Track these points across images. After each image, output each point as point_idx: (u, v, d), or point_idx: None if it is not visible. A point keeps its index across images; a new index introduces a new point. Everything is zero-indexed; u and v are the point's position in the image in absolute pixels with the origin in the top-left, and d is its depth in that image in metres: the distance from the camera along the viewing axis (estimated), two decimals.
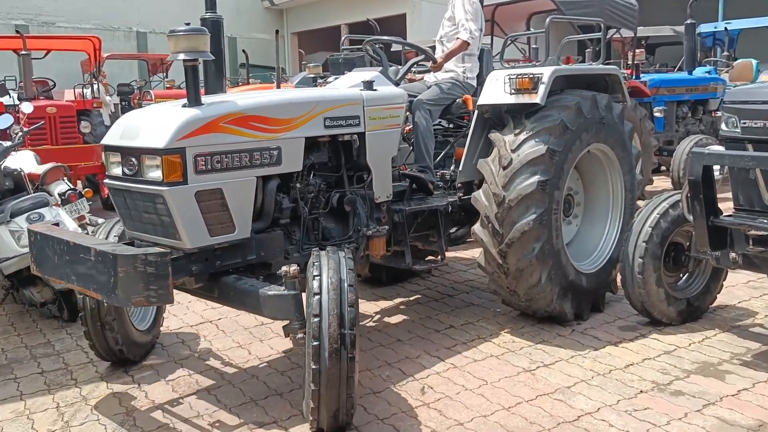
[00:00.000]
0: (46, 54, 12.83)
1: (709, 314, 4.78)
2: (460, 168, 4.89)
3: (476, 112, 4.88)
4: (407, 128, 5.05)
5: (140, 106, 11.35)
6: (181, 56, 3.39)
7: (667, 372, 3.90)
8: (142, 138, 3.50)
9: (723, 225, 3.94)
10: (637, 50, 9.88)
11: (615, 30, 9.53)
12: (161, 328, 4.68)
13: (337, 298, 3.14)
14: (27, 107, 8.59)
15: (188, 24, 3.52)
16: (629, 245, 4.49)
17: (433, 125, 5.15)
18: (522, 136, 4.47)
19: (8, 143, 6.24)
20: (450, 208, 4.82)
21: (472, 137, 4.87)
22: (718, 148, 4.06)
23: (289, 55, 29.32)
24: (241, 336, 4.73)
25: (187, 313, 5.25)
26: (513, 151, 4.45)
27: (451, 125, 5.57)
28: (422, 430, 3.35)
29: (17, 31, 12.90)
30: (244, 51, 15.92)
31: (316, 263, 3.26)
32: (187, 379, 4.05)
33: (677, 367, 3.97)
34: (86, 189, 7.09)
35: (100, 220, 6.08)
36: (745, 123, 3.88)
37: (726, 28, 14.83)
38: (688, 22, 10.11)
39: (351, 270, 3.27)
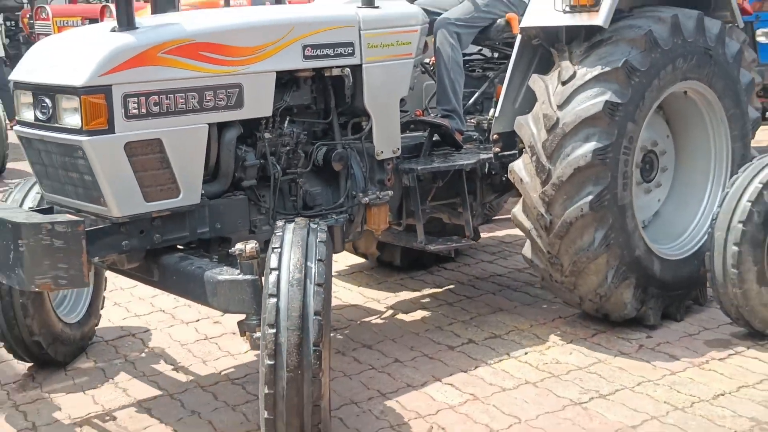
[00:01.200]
0: None
1: None
2: (497, 113, 4.54)
3: (519, 36, 4.52)
4: (431, 59, 4.79)
5: (31, 28, 11.27)
6: None
7: None
8: (57, 73, 3.35)
9: None
10: None
11: None
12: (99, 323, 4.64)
13: (301, 276, 2.99)
14: None
15: None
16: (718, 228, 4.11)
17: (467, 54, 4.95)
18: (572, 84, 4.12)
19: None
20: (485, 169, 4.59)
21: (513, 72, 4.53)
22: None
23: None
24: (208, 327, 4.73)
25: (131, 300, 5.15)
26: (560, 106, 4.13)
27: (495, 54, 5.29)
28: None
29: None
30: None
31: (278, 234, 3.10)
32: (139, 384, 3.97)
33: None
34: None
35: None
36: None
37: None
38: None
39: (322, 242, 3.11)
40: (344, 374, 4.00)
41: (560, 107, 4.17)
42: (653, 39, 4.23)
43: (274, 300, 2.91)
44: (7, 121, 9.55)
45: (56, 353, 4.13)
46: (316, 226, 3.20)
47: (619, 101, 4.13)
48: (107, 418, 3.83)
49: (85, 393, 4.02)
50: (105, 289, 4.65)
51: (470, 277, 5.60)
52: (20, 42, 17.00)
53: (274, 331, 2.89)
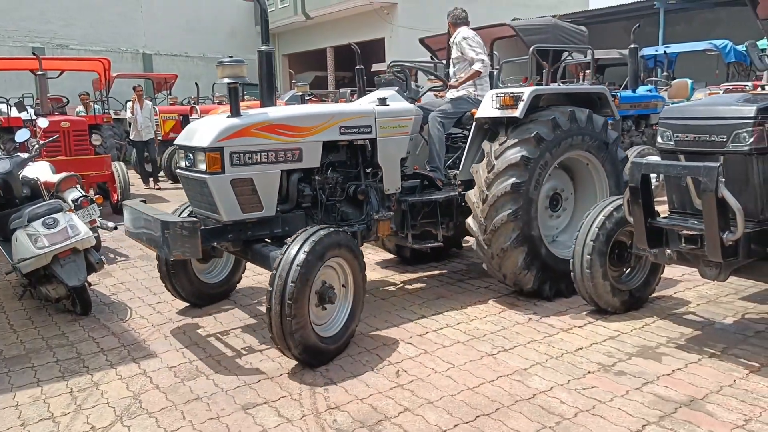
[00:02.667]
0: (60, 74, 12.74)
1: (648, 304, 4.85)
2: (461, 168, 5.31)
3: (474, 123, 5.31)
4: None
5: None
6: (226, 80, 4.08)
7: (611, 355, 3.96)
8: (195, 139, 4.21)
9: (659, 226, 4.00)
10: (587, 71, 9.99)
11: (568, 53, 9.64)
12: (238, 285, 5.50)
13: (291, 259, 3.71)
14: (43, 122, 8.57)
15: (231, 56, 4.23)
16: (578, 243, 4.54)
17: (454, 134, 5.75)
18: (503, 146, 4.90)
19: (26, 155, 6.20)
20: (454, 201, 5.26)
21: (471, 144, 5.30)
22: (655, 159, 4.12)
23: (280, 74, 29.28)
24: (236, 326, 4.72)
25: (188, 306, 5.21)
26: (496, 158, 4.89)
27: (464, 133, 5.83)
28: (396, 409, 3.38)
29: (34, 53, 12.79)
30: None
31: (298, 233, 3.90)
32: (188, 366, 4.05)
33: (620, 350, 4.03)
34: (97, 195, 7.04)
35: (110, 224, 6.03)
36: (677, 136, 3.94)
37: (665, 52, 15.03)
38: (632, 46, 10.24)
39: (316, 242, 3.78)
40: None
41: (497, 158, 4.93)
42: (556, 122, 4.99)
43: (274, 271, 3.76)
44: (128, 174, 10.19)
45: (197, 300, 5.19)
46: (325, 231, 3.91)
47: (531, 156, 4.87)
48: (182, 384, 4.06)
49: (169, 369, 4.28)
50: (244, 268, 5.52)
51: (436, 275, 5.98)
52: None
53: (270, 288, 3.73)
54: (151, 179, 13.24)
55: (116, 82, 17.01)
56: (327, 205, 4.72)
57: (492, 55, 9.39)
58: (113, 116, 13.56)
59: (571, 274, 4.63)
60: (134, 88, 12.77)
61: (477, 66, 5.55)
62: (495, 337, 4.31)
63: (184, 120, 14.89)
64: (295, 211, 4.56)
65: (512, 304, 4.99)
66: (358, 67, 8.27)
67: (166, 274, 4.96)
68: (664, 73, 14.22)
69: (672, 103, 8.47)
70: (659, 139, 4.11)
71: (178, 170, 4.50)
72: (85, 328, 4.80)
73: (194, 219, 4.18)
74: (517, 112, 4.89)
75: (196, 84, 17.00)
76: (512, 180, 4.77)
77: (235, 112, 4.22)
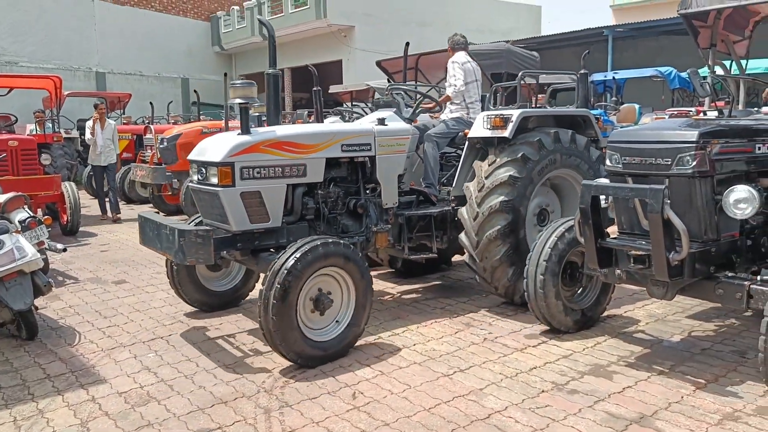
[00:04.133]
0: (9, 91, 12.41)
1: (600, 323, 4.93)
2: (454, 185, 5.65)
3: (467, 142, 5.64)
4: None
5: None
6: (237, 101, 4.38)
7: (564, 374, 4.01)
8: (208, 155, 4.52)
9: (609, 246, 4.10)
10: (540, 95, 10.23)
11: (521, 77, 9.87)
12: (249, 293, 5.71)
13: (281, 265, 4.01)
14: None
15: (242, 77, 4.76)
16: (531, 264, 4.60)
17: (448, 153, 6.08)
18: (493, 166, 5.23)
19: None
20: (447, 215, 5.56)
21: (463, 162, 5.65)
22: (604, 181, 4.23)
23: None
24: (189, 350, 4.63)
25: (139, 330, 5.12)
26: (486, 177, 5.20)
27: (460, 152, 6.10)
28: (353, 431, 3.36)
29: None
30: (195, 91, 15.75)
31: (294, 243, 4.18)
32: (139, 391, 3.94)
33: (573, 369, 4.08)
34: (45, 216, 6.83)
35: (59, 246, 5.87)
36: (625, 159, 4.06)
37: (614, 77, 15.48)
38: (582, 71, 10.54)
39: (307, 251, 4.05)
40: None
41: (486, 178, 5.23)
42: (541, 143, 5.29)
43: (272, 263, 4.11)
44: (78, 195, 9.69)
45: (201, 306, 5.50)
46: (315, 243, 4.14)
47: (518, 176, 5.20)
48: (132, 411, 3.96)
49: (119, 395, 4.17)
50: (257, 278, 5.65)
51: (394, 296, 5.84)
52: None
53: (268, 276, 4.06)
54: (109, 209, 11.50)
55: (68, 100, 16.68)
56: (329, 217, 5.01)
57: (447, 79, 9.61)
58: (64, 135, 13.22)
59: (525, 294, 4.69)
60: (95, 106, 11.42)
61: (448, 91, 6.01)
62: (451, 358, 4.32)
63: (138, 140, 14.65)
64: (299, 223, 4.85)
65: (468, 324, 5.03)
66: (315, 88, 8.31)
67: (173, 280, 5.34)
68: (613, 98, 14.63)
69: (620, 127, 8.70)
70: (608, 162, 4.23)
71: (190, 184, 4.84)
72: (31, 353, 4.64)
73: (207, 228, 4.53)
74: (506, 133, 5.23)
75: (151, 103, 16.76)
76: (501, 198, 5.09)
77: (245, 129, 4.54)
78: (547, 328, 4.74)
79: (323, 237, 4.31)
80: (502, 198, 5.09)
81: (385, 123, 5.21)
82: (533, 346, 4.51)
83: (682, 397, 3.64)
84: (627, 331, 4.80)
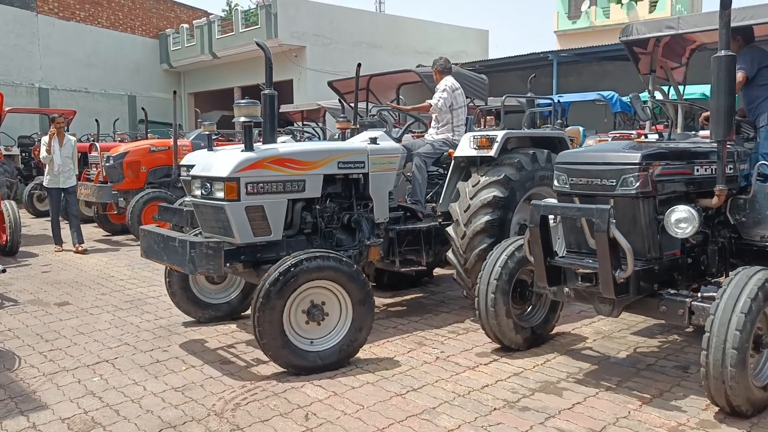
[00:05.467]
0: None
1: (549, 340, 5.00)
2: (440, 201, 5.97)
3: (453, 161, 5.98)
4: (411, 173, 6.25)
5: (40, 158, 10.69)
6: (242, 119, 4.57)
7: (516, 391, 4.05)
8: (214, 170, 4.70)
9: (558, 264, 4.18)
10: (488, 117, 10.43)
11: (470, 99, 10.06)
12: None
13: (271, 277, 4.18)
14: None
15: (246, 98, 4.71)
16: (482, 283, 4.63)
17: (433, 171, 6.33)
18: (477, 187, 5.53)
19: None
20: (433, 231, 5.84)
21: (449, 180, 6.00)
22: (552, 201, 4.33)
23: (185, 112, 28.72)
24: (136, 373, 4.49)
25: (83, 354, 4.93)
26: (471, 198, 5.51)
27: (444, 170, 6.43)
28: None
29: None
30: (143, 108, 15.46)
31: (284, 259, 4.35)
32: (83, 417, 3.78)
33: (524, 386, 4.13)
34: None
35: None
36: (572, 180, 4.17)
37: (559, 101, 15.92)
38: (529, 95, 10.81)
39: (292, 265, 4.22)
40: (251, 382, 4.29)
41: (471, 198, 5.53)
42: (521, 164, 5.59)
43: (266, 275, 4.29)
44: (19, 214, 9.22)
45: (199, 317, 5.70)
46: (299, 258, 4.29)
47: (501, 196, 5.50)
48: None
49: (62, 421, 4.02)
50: None
51: None
52: (32, 167, 16.95)
53: (261, 285, 4.23)
54: (72, 239, 9.90)
55: (9, 116, 16.12)
56: (325, 231, 5.21)
57: (398, 100, 9.70)
58: (4, 152, 12.77)
59: (476, 312, 4.72)
60: (52, 120, 9.84)
61: (431, 101, 6.41)
62: (404, 377, 4.32)
63: (83, 158, 14.25)
64: (297, 237, 5.04)
65: (420, 343, 5.03)
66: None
67: (169, 290, 5.58)
68: (559, 121, 15.00)
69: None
70: (555, 183, 4.33)
71: (192, 198, 4.99)
72: None
73: (218, 239, 4.67)
74: (492, 152, 5.59)
75: (97, 121, 16.36)
76: (486, 218, 5.40)
77: (249, 147, 4.70)
78: (498, 346, 4.78)
79: (315, 251, 4.46)
80: (487, 218, 5.38)
81: (377, 142, 5.46)
82: (485, 364, 4.54)
83: (630, 412, 3.71)
84: (575, 348, 4.89)
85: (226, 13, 33.79)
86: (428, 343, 5.05)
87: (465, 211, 5.49)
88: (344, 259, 4.53)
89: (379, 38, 25.79)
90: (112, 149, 11.70)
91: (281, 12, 23.49)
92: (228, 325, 5.63)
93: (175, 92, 11.74)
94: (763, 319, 3.67)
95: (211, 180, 4.70)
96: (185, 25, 28.41)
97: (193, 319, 5.72)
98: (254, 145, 4.80)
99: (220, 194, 4.61)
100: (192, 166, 8.61)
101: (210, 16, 27.76)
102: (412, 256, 5.85)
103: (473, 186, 5.57)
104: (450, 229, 5.62)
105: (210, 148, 6.89)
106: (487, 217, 5.39)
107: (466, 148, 5.80)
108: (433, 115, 6.67)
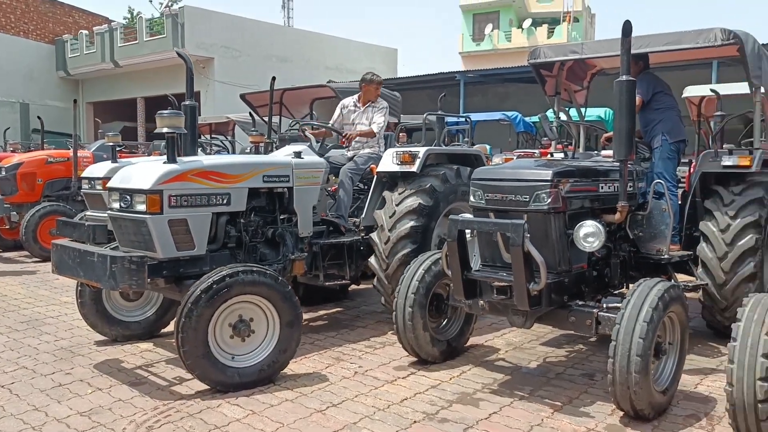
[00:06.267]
0: None
1: (464, 352, 5.09)
2: (363, 215, 6.07)
3: (376, 176, 6.11)
4: (333, 188, 6.29)
5: None
6: (165, 130, 4.42)
7: (434, 403, 4.09)
8: (134, 182, 4.55)
9: (474, 278, 4.29)
10: (401, 134, 10.59)
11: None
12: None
13: (193, 293, 4.08)
14: None
15: (170, 108, 4.60)
16: (400, 297, 4.67)
17: (354, 187, 6.36)
18: (403, 195, 5.69)
19: None
20: (356, 245, 5.90)
21: (372, 194, 6.12)
22: (469, 216, 4.45)
23: (83, 123, 27.39)
24: (37, 398, 4.19)
25: None
26: (397, 205, 5.64)
27: (364, 185, 6.58)
28: None
29: None
30: (39, 117, 14.62)
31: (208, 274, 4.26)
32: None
33: (442, 398, 4.18)
34: None
35: None
36: (488, 196, 4.30)
37: (466, 119, 16.41)
38: (439, 113, 11.10)
39: (216, 281, 4.12)
40: (163, 402, 4.11)
41: (397, 205, 5.66)
42: (445, 177, 5.79)
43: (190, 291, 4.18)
44: None
45: (107, 333, 5.43)
46: (234, 269, 4.25)
47: (426, 204, 5.65)
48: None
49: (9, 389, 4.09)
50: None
51: None
52: None
53: (184, 301, 4.13)
54: None
55: None
56: (249, 246, 5.13)
57: (311, 115, 9.68)
58: None
59: (394, 326, 4.75)
60: None
61: (375, 128, 6.51)
62: (323, 393, 4.28)
63: None
64: (221, 251, 4.94)
65: (338, 359, 5.00)
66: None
67: (80, 308, 5.35)
68: (466, 139, 15.45)
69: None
70: (471, 198, 4.45)
71: (109, 212, 4.76)
72: None
73: (142, 253, 4.46)
74: (414, 167, 5.73)
75: None
76: (411, 223, 5.52)
77: (172, 159, 4.59)
78: (416, 359, 4.83)
79: (238, 266, 4.39)
80: (411, 223, 5.51)
81: (302, 156, 5.46)
82: (403, 378, 4.57)
83: (543, 420, 3.85)
84: (489, 359, 5.01)
85: (128, 20, 32.67)
86: (346, 358, 5.03)
87: (390, 217, 5.61)
88: (280, 278, 4.47)
89: (290, 52, 25.72)
90: (4, 160, 10.98)
91: (188, 22, 22.99)
92: (142, 344, 5.38)
93: (75, 101, 11.17)
94: (662, 328, 3.94)
95: (132, 192, 4.54)
96: (84, 32, 27.25)
97: (100, 339, 5.43)
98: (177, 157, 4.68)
99: (142, 207, 4.46)
100: (95, 179, 8.25)
101: (112, 23, 26.78)
102: (335, 270, 5.86)
103: (399, 194, 5.72)
104: (374, 235, 5.72)
105: (114, 159, 6.65)
106: (411, 223, 5.51)
107: (388, 163, 5.89)
108: (348, 127, 6.76)
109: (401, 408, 4.03)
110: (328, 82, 11.11)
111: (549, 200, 4.06)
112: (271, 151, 7.32)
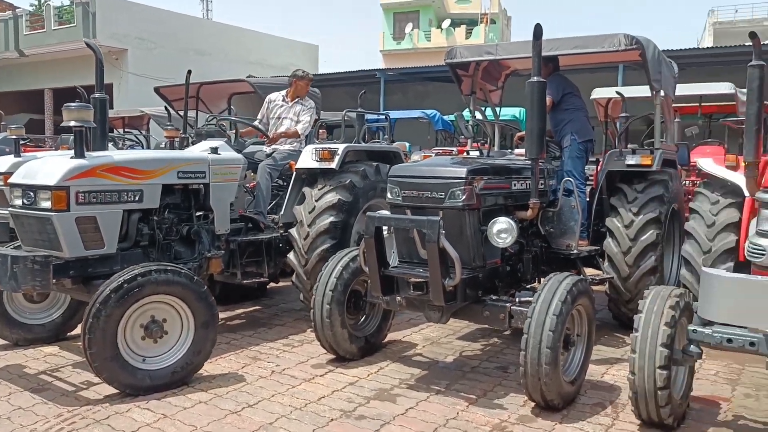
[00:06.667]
0: None
1: (382, 348, 5.10)
2: (282, 212, 5.96)
3: (295, 173, 5.99)
4: (252, 184, 6.14)
5: None
6: (72, 123, 4.24)
7: (352, 400, 4.08)
8: (39, 178, 4.32)
9: (391, 274, 4.31)
10: (321, 131, 10.52)
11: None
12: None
13: (102, 293, 3.91)
14: None
15: (78, 101, 4.52)
16: (318, 294, 4.64)
17: (272, 183, 6.26)
18: (322, 191, 5.60)
19: None
20: (275, 242, 5.79)
21: (291, 191, 6.02)
22: (386, 213, 4.45)
23: None
24: None
25: None
26: (316, 201, 5.55)
27: (283, 182, 6.47)
28: None
29: None
30: None
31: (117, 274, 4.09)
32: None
33: (360, 395, 4.17)
34: None
35: None
36: (404, 193, 4.33)
37: (385, 117, 16.51)
38: (359, 110, 11.10)
39: (136, 275, 3.99)
40: (68, 409, 3.87)
41: (317, 201, 5.57)
42: (365, 173, 5.74)
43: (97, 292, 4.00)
44: None
45: (7, 336, 5.08)
46: (144, 268, 4.09)
47: (346, 200, 5.56)
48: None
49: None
50: None
51: None
52: None
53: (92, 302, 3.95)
54: None
55: None
56: (163, 244, 4.97)
57: (229, 110, 9.45)
58: None
59: (312, 324, 4.71)
60: None
61: (300, 128, 6.47)
62: (239, 394, 4.18)
63: None
64: (133, 250, 4.76)
65: (254, 358, 4.90)
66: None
67: None
68: (386, 136, 15.54)
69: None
70: (389, 195, 4.47)
71: (11, 209, 4.54)
72: None
73: (46, 253, 4.26)
74: (333, 164, 5.64)
75: None
76: (330, 219, 5.44)
77: (80, 153, 4.38)
78: (334, 356, 4.80)
79: (152, 264, 4.25)
80: (331, 219, 5.43)
81: (218, 152, 5.34)
82: (321, 376, 4.53)
83: (458, 413, 3.90)
84: (406, 354, 5.04)
85: (35, 8, 30.98)
86: (263, 357, 4.93)
87: (310, 213, 5.53)
88: (195, 277, 4.34)
89: (208, 46, 25.07)
90: None
91: (100, 11, 22.04)
92: (46, 348, 5.07)
93: None
94: (571, 320, 4.07)
95: (36, 189, 4.30)
96: None
97: (1, 343, 5.09)
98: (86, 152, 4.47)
99: (47, 204, 4.23)
100: None
101: (17, 10, 25.30)
102: (253, 267, 5.76)
103: (319, 190, 5.65)
104: (293, 231, 5.63)
105: (17, 153, 6.28)
106: (331, 218, 5.44)
107: (308, 160, 5.82)
108: (273, 122, 6.68)
109: (318, 406, 3.99)
110: (247, 77, 10.87)
111: (464, 197, 4.12)
112: (188, 146, 7.12)
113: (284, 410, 3.92)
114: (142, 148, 13.35)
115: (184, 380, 4.29)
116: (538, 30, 4.30)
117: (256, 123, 6.82)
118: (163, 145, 9.49)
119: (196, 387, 4.26)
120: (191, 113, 9.64)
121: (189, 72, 7.37)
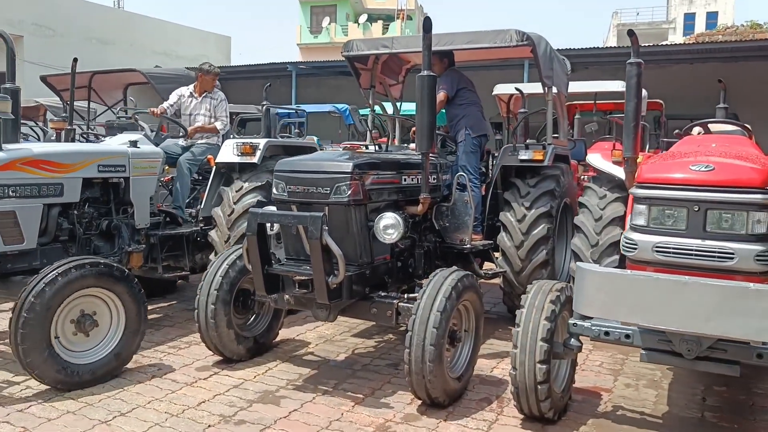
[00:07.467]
0: None
1: (273, 348, 4.93)
2: (202, 206, 5.89)
3: (214, 167, 5.91)
4: (167, 178, 6.12)
5: None
6: None
7: (233, 404, 3.89)
8: None
9: (276, 272, 4.14)
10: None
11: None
12: None
13: (33, 289, 3.79)
14: None
15: None
16: (202, 294, 4.43)
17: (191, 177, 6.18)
18: (241, 192, 5.50)
19: None
20: (194, 236, 5.79)
21: (211, 185, 5.92)
22: (271, 209, 4.28)
23: None
24: None
25: None
26: (235, 203, 5.46)
27: (199, 176, 6.43)
28: None
29: None
30: None
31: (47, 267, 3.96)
32: None
33: (243, 398, 3.99)
34: None
35: None
36: (290, 188, 4.16)
37: (296, 111, 16.22)
38: (264, 103, 10.81)
39: (58, 276, 3.84)
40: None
41: (235, 203, 5.47)
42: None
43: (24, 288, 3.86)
44: None
45: None
46: (68, 266, 3.93)
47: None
48: None
49: None
50: None
51: None
52: None
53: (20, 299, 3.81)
54: None
55: None
56: (83, 238, 4.91)
57: (125, 101, 8.98)
58: None
59: (196, 325, 4.49)
60: None
61: (219, 125, 6.42)
62: (112, 402, 3.89)
63: None
64: (53, 244, 4.69)
65: (135, 362, 4.52)
66: None
67: None
68: (296, 130, 15.28)
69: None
70: (274, 191, 4.29)
71: None
72: None
73: None
74: (255, 159, 5.57)
75: None
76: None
77: None
78: (220, 358, 4.59)
79: (81, 258, 4.13)
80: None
81: (138, 145, 5.29)
82: (204, 379, 4.31)
83: (342, 414, 3.78)
84: (297, 354, 4.88)
85: None
86: (145, 360, 4.64)
87: (229, 216, 5.45)
88: (127, 271, 4.29)
89: (113, 35, 23.86)
90: None
91: None
92: None
93: None
94: (458, 315, 4.03)
95: None
96: None
97: None
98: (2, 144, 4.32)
99: None
100: None
101: None
102: (172, 261, 5.74)
103: (237, 191, 5.53)
104: (213, 233, 5.56)
105: None
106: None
107: (228, 154, 5.72)
108: (189, 117, 6.55)
109: (197, 412, 3.77)
110: (155, 68, 10.37)
111: (349, 192, 3.99)
112: (73, 138, 6.69)
113: (159, 418, 3.68)
114: (38, 140, 12.56)
115: (113, 373, 4.22)
116: (427, 23, 4.22)
117: (179, 120, 6.60)
118: (53, 138, 8.90)
119: (66, 396, 3.94)
120: (85, 104, 9.11)
121: (75, 60, 6.92)
